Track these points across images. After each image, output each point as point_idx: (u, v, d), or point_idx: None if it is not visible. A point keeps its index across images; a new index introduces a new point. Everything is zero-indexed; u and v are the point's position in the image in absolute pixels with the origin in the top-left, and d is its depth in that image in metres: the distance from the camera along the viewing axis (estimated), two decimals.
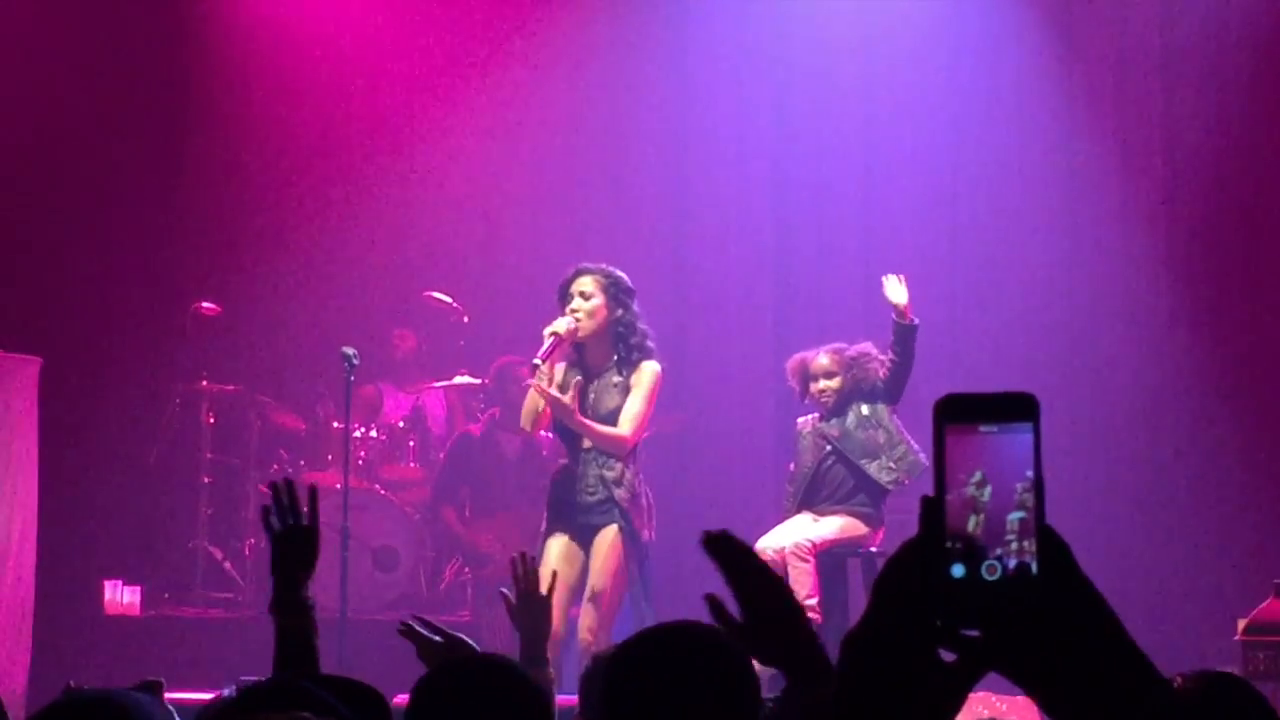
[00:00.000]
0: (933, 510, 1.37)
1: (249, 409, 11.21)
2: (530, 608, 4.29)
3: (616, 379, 7.91)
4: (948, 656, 1.38)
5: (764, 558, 8.30)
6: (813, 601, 8.32)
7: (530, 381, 7.92)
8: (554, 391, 7.73)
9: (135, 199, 11.48)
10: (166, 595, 10.88)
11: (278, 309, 11.57)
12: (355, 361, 9.15)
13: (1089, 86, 11.28)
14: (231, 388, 11.18)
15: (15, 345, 9.35)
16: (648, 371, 7.88)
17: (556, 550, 7.85)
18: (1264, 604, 7.32)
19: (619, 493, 7.83)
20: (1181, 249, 10.99)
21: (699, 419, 11.14)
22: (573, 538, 7.87)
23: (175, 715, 3.08)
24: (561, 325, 7.80)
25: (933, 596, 1.36)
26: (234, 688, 4.19)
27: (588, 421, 7.81)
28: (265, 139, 11.74)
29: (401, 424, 11.08)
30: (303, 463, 11.18)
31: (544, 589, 4.36)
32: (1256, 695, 2.93)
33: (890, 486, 8.62)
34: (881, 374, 8.64)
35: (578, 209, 11.68)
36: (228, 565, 10.98)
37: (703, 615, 2.34)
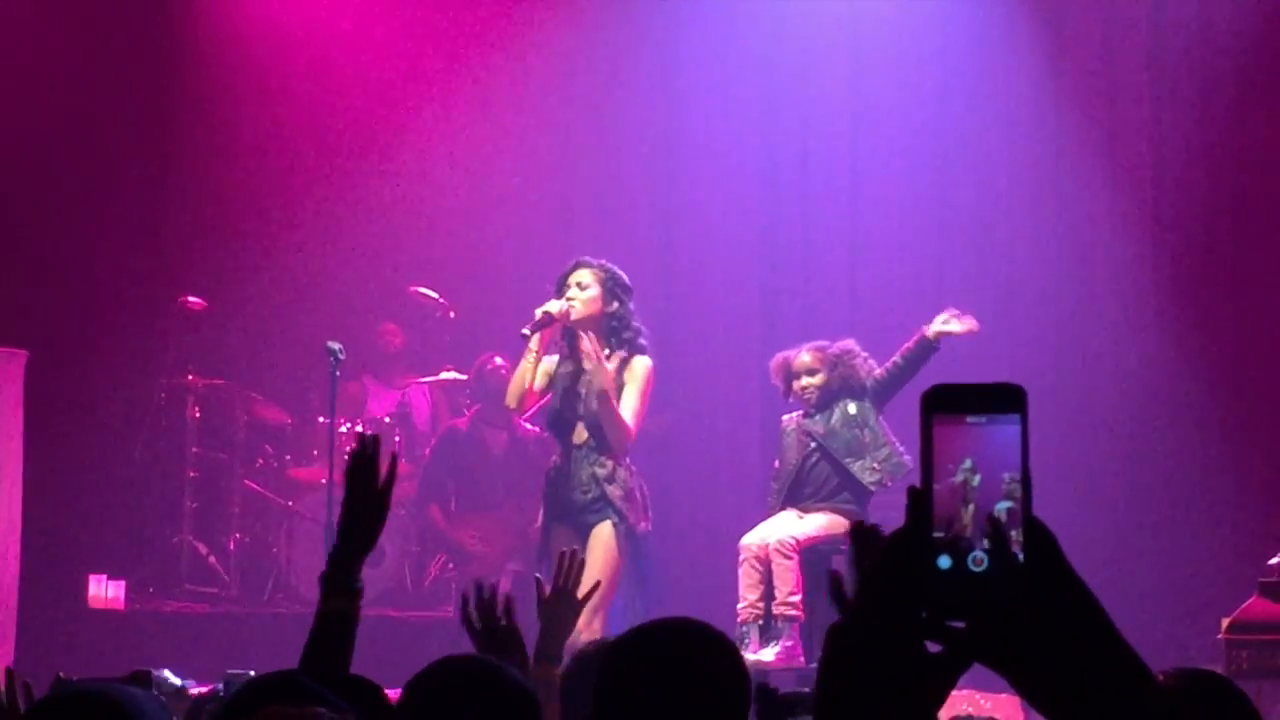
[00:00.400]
0: (919, 501, 1.36)
1: (235, 403, 11.20)
2: (562, 604, 4.31)
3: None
4: (934, 648, 1.38)
5: (748, 554, 8.41)
6: (795, 599, 8.34)
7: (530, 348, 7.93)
8: (590, 349, 7.79)
9: (122, 193, 11.47)
10: (151, 589, 10.86)
11: (264, 304, 11.57)
12: (341, 356, 9.15)
13: (1077, 86, 11.28)
14: (217, 382, 11.18)
15: (1, 339, 9.35)
16: (640, 366, 7.95)
17: (553, 548, 7.90)
18: (1247, 603, 7.34)
19: (612, 490, 7.90)
20: (1168, 248, 11.01)
21: (685, 417, 11.15)
22: (569, 535, 7.92)
23: (167, 707, 3.08)
24: (554, 306, 7.89)
25: (919, 588, 1.35)
26: (222, 684, 4.21)
27: (611, 397, 7.83)
28: (252, 133, 11.73)
29: (387, 419, 11.08)
30: (288, 457, 11.19)
31: (582, 593, 4.39)
32: (1238, 693, 2.94)
33: (873, 487, 8.62)
34: (877, 373, 8.63)
35: (564, 206, 11.68)
36: (212, 560, 10.98)
37: (692, 609, 2.36)
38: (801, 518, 8.62)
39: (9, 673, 3.62)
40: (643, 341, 8.01)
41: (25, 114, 11.16)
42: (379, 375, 11.46)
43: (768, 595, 8.40)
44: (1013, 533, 1.35)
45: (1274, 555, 7.42)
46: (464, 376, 10.95)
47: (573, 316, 7.91)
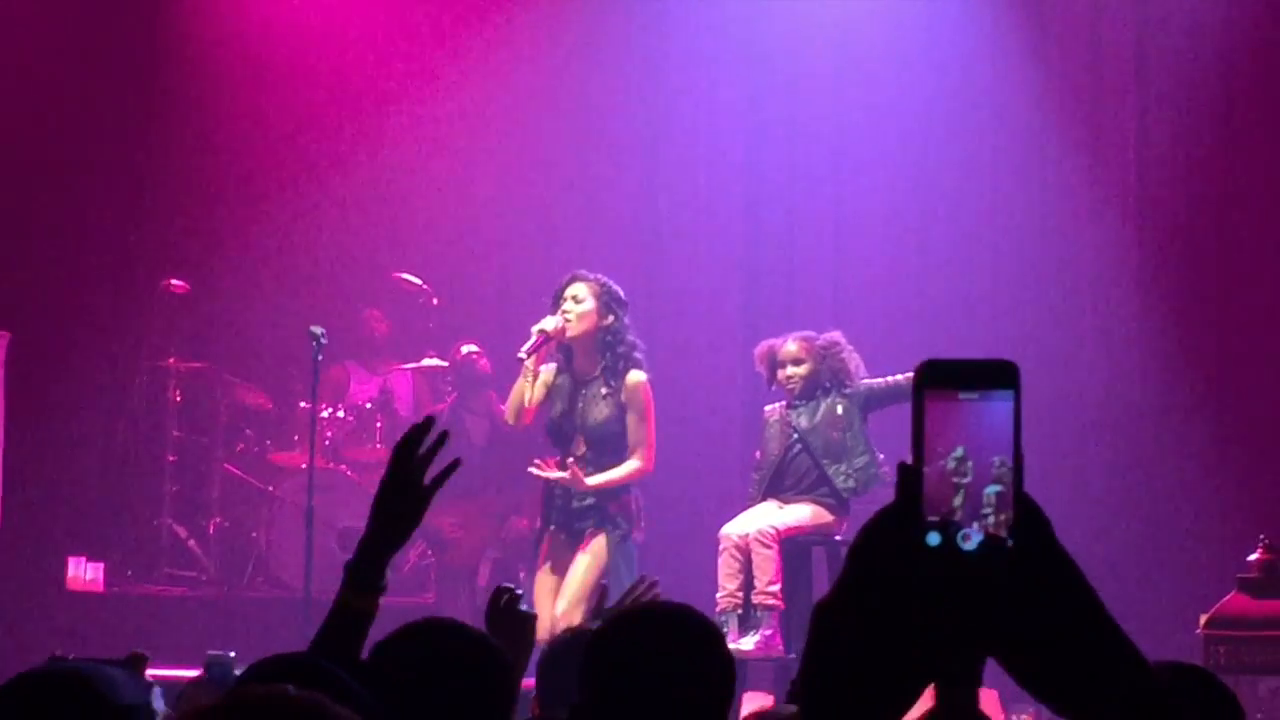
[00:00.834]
0: (909, 477, 1.34)
1: (216, 387, 11.18)
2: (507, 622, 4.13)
3: (605, 390, 8.01)
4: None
5: (728, 543, 8.41)
6: (775, 588, 8.33)
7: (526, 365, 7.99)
8: (557, 474, 7.94)
9: (105, 175, 11.43)
10: (130, 572, 10.85)
11: (246, 287, 11.54)
12: (323, 341, 9.14)
13: (1062, 84, 11.29)
14: (199, 365, 11.16)
15: None
16: (639, 390, 8.01)
17: (548, 555, 8.07)
18: (1225, 598, 7.36)
19: (609, 500, 8.00)
20: (1152, 246, 11.02)
21: (666, 407, 11.12)
22: (564, 543, 8.03)
23: (154, 689, 3.07)
24: (550, 323, 7.95)
25: (907, 564, 1.33)
26: (204, 667, 4.20)
27: (608, 479, 7.95)
28: (236, 118, 11.69)
29: (368, 405, 11.06)
30: (269, 442, 11.17)
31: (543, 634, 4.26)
32: (1223, 688, 2.94)
33: (846, 494, 8.60)
34: (875, 383, 8.55)
35: (548, 195, 11.66)
36: (192, 543, 10.96)
37: (671, 597, 2.35)
38: (782, 508, 8.61)
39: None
40: (638, 355, 8.05)
41: (6, 99, 11.12)
42: (362, 360, 11.43)
43: (747, 585, 8.40)
44: (1002, 515, 1.33)
45: (1252, 551, 7.43)
46: (446, 363, 10.94)
47: (568, 333, 7.97)
